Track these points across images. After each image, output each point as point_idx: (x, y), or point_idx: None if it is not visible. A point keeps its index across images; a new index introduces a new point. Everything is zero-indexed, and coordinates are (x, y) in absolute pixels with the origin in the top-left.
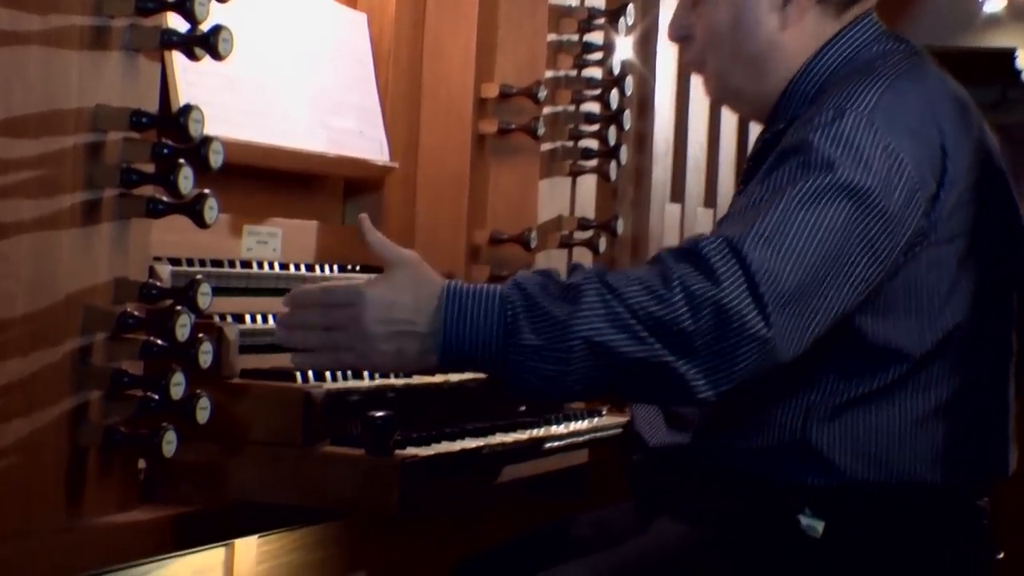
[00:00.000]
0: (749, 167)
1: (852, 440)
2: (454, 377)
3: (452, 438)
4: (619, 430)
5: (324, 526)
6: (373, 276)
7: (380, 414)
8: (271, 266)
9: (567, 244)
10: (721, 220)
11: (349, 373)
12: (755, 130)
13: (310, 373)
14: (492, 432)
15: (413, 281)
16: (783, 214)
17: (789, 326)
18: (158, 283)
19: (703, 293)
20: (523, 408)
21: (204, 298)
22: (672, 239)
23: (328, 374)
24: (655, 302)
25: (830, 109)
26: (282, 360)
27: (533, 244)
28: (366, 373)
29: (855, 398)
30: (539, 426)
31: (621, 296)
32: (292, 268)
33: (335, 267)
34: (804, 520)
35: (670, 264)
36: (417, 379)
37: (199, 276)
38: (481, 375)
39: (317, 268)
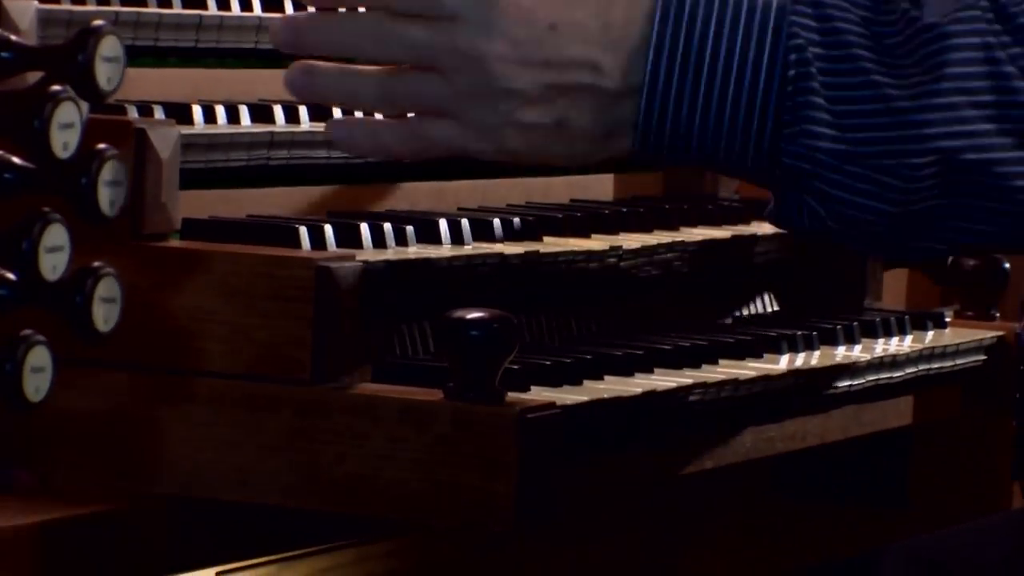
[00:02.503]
0: None
1: None
2: (630, 241)
3: (622, 368)
4: (981, 358)
5: (352, 552)
6: None
7: (475, 315)
8: (244, 2)
9: None
10: None
11: (410, 233)
12: None
13: (328, 234)
14: (698, 357)
15: None
16: None
17: None
18: (12, 37)
19: None
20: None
21: (108, 67)
22: None
23: (367, 234)
24: None
25: None
26: (264, 201)
27: None
28: (445, 228)
29: None
30: (796, 346)
31: None
32: (290, 7)
33: None
34: None
35: None
36: (551, 244)
37: (99, 22)
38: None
39: None
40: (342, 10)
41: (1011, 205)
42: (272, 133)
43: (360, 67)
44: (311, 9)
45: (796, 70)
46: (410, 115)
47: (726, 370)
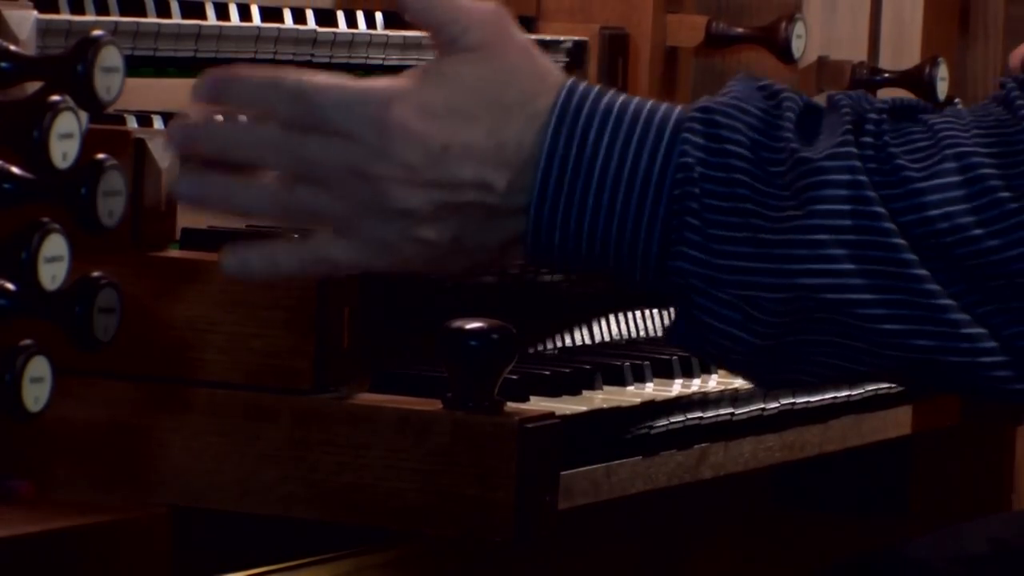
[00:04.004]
0: None
1: None
2: None
3: (620, 378)
4: None
5: (351, 562)
6: (412, 66)
7: (474, 325)
8: (243, 12)
9: None
10: None
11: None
12: None
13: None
14: (691, 367)
15: (493, 79)
16: None
17: None
18: (11, 47)
19: None
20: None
21: (107, 77)
22: None
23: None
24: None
25: None
26: None
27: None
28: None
29: None
30: None
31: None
32: (289, 17)
33: (359, 16)
34: None
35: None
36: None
37: (98, 32)
38: None
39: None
40: (242, 118)
41: (873, 346)
42: None
43: (251, 175)
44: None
45: (680, 189)
46: (302, 236)
47: (725, 380)
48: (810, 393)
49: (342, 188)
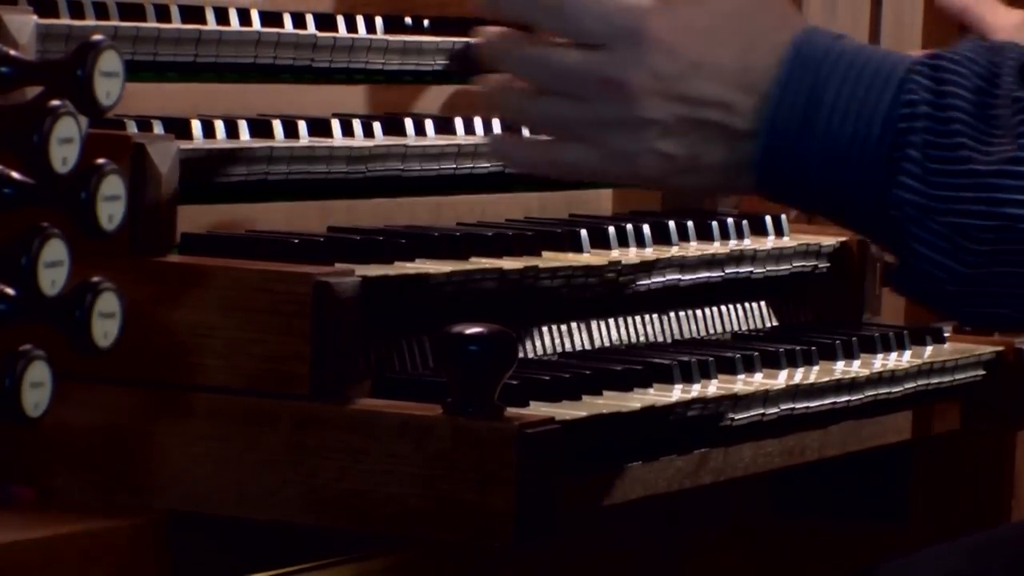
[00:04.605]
0: None
1: None
2: (629, 256)
3: (620, 383)
4: (980, 373)
5: (351, 568)
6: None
7: (474, 330)
8: (243, 17)
9: None
10: None
11: (410, 248)
12: None
13: (327, 249)
14: (697, 372)
15: (745, 7)
16: None
17: None
18: (11, 52)
19: None
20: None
21: (107, 82)
22: None
23: (367, 248)
24: None
25: None
26: (263, 216)
27: None
28: (444, 243)
29: None
30: (795, 361)
31: None
32: (289, 22)
33: (359, 21)
34: None
35: None
36: (550, 259)
37: (98, 37)
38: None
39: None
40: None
41: None
42: (271, 148)
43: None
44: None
45: (906, 124)
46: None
47: (725, 385)
48: (810, 398)
49: (591, 97)
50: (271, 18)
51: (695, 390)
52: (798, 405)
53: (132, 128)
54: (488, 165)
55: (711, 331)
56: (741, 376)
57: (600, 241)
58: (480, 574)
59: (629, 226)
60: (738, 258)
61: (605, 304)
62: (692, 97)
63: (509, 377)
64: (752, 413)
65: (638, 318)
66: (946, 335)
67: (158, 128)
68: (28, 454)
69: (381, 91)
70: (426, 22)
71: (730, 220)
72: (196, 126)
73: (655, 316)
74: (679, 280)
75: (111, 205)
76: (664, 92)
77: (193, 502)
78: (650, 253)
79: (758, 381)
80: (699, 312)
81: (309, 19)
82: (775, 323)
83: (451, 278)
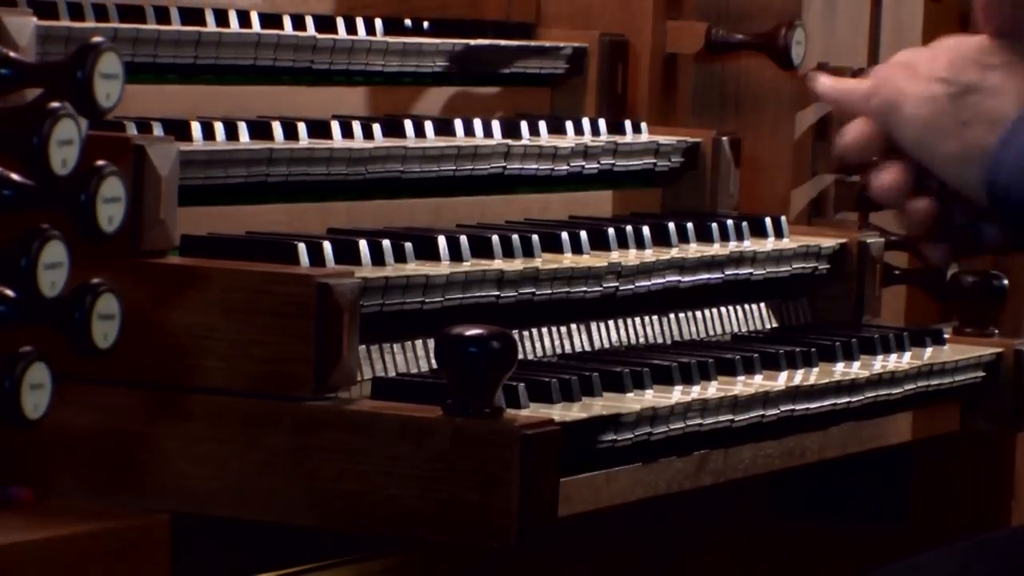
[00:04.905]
0: None
1: None
2: (629, 258)
3: (620, 384)
4: (980, 374)
5: (351, 569)
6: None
7: (474, 331)
8: (243, 18)
9: None
10: None
11: (409, 249)
12: None
13: (327, 251)
14: (696, 374)
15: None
16: None
17: None
18: (11, 54)
19: None
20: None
21: (107, 83)
22: None
23: (366, 251)
24: None
25: None
26: (263, 217)
27: None
28: (443, 245)
29: None
30: (795, 362)
31: None
32: (288, 24)
33: (359, 23)
34: None
35: None
36: (550, 260)
37: (98, 39)
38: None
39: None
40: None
41: None
42: (271, 150)
43: None
44: None
45: None
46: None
47: (725, 387)
48: (810, 400)
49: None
50: (271, 20)
51: (695, 391)
52: (798, 406)
53: (132, 130)
54: (487, 167)
55: (711, 333)
56: (741, 377)
57: (600, 243)
58: (481, 575)
59: (629, 228)
60: (738, 260)
61: (605, 305)
62: (965, 76)
63: (509, 378)
64: (752, 414)
65: (638, 319)
66: (946, 336)
67: (158, 130)
68: (28, 455)
69: (381, 93)
70: (426, 24)
71: (730, 222)
72: (196, 128)
73: (655, 318)
74: (679, 282)
75: (111, 207)
76: (948, 64)
77: (193, 503)
78: (650, 255)
79: (758, 382)
80: (699, 314)
81: (309, 21)
82: (775, 324)
83: (451, 280)
